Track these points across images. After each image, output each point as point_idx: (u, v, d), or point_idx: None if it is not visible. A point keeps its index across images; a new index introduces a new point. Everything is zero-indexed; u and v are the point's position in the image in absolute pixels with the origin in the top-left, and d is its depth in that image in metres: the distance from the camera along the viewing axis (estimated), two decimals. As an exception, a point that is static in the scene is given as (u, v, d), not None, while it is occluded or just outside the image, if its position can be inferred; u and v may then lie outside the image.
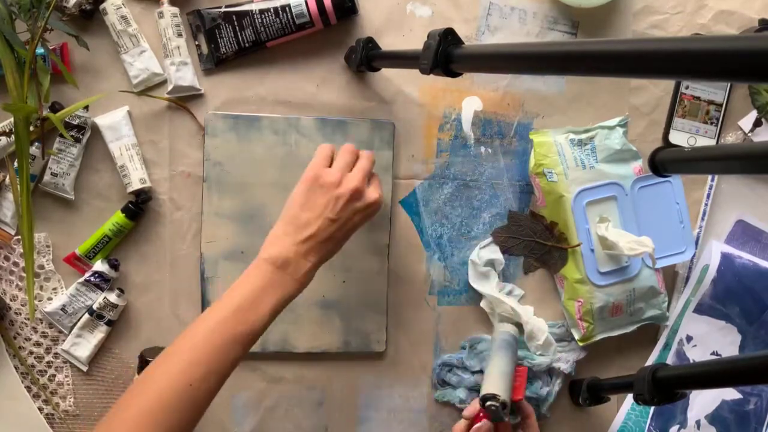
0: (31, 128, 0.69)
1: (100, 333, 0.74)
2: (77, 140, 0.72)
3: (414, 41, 0.77)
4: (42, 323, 0.74)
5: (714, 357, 0.81)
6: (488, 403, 0.65)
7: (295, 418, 0.77)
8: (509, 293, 0.79)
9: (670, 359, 0.80)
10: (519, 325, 0.77)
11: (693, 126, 0.80)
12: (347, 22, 0.76)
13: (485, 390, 0.67)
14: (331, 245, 0.63)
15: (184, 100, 0.75)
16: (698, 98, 0.80)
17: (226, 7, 0.74)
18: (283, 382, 0.77)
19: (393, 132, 0.76)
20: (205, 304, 0.75)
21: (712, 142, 0.81)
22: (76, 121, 0.72)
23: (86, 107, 0.72)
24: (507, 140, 0.79)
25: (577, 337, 0.78)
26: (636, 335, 0.79)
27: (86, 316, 0.73)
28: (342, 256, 0.75)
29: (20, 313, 0.74)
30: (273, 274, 0.59)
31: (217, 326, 0.56)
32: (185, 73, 0.73)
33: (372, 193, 0.64)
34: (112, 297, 0.73)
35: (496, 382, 0.68)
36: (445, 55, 0.57)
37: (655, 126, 0.81)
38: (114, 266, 0.73)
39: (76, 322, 0.74)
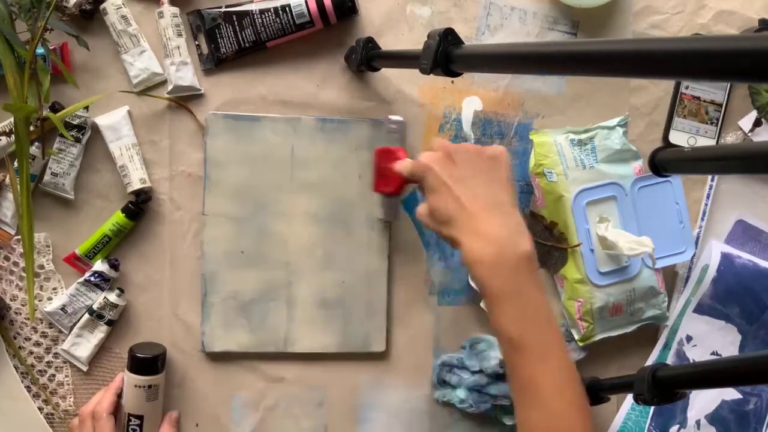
0: (31, 128, 0.69)
1: (100, 333, 0.74)
2: (77, 140, 0.72)
3: (414, 41, 0.77)
4: (42, 323, 0.74)
5: (714, 357, 0.81)
6: None
7: (295, 418, 0.77)
8: (509, 293, 0.78)
9: (670, 359, 0.80)
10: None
11: (693, 126, 0.80)
12: (347, 22, 0.76)
13: None
14: None
15: (185, 100, 0.75)
16: (698, 98, 0.80)
17: (226, 7, 0.74)
18: (283, 382, 0.77)
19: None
20: (205, 304, 0.75)
21: (712, 142, 0.81)
22: (76, 121, 0.72)
23: (86, 107, 0.72)
24: (507, 140, 0.79)
25: (577, 337, 0.78)
26: (636, 335, 0.79)
27: (86, 316, 0.73)
28: (342, 256, 0.76)
29: (20, 313, 0.74)
30: None
31: None
32: (185, 73, 0.73)
33: None
34: (112, 297, 0.73)
35: None
36: (445, 55, 0.57)
37: (655, 126, 0.81)
38: (114, 266, 0.73)
39: (76, 322, 0.74)
